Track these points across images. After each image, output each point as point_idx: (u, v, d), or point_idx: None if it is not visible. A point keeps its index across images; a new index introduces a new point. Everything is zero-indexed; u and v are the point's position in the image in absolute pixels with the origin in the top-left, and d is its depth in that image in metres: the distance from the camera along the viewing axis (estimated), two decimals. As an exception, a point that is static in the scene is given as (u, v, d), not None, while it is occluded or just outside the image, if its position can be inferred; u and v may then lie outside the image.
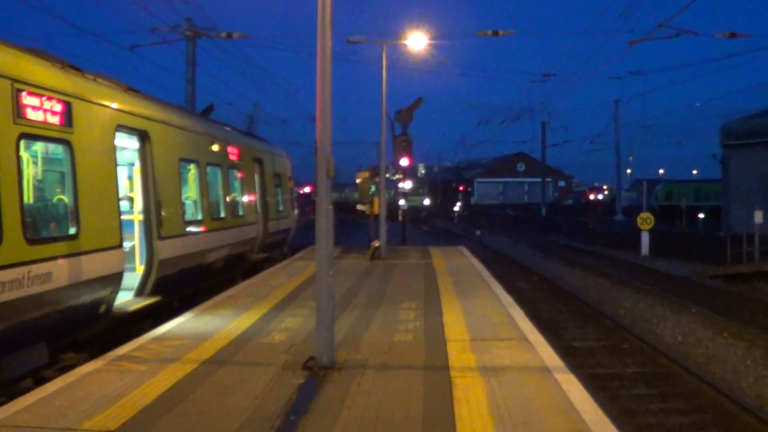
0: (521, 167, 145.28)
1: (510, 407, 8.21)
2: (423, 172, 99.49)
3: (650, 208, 48.34)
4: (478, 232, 60.96)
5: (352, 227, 53.92)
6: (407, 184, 35.38)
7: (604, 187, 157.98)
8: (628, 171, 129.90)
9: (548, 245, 49.66)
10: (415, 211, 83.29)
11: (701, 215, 60.63)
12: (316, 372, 9.84)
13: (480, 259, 26.63)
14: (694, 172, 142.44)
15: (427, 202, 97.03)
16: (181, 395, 8.80)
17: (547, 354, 10.83)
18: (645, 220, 42.03)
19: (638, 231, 42.99)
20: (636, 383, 14.99)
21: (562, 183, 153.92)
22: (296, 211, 34.00)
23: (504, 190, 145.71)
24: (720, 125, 58.39)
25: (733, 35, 28.41)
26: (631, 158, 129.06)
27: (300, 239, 34.42)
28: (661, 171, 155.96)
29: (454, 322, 13.33)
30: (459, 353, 10.88)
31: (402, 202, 34.29)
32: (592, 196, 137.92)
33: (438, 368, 10.03)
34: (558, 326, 20.62)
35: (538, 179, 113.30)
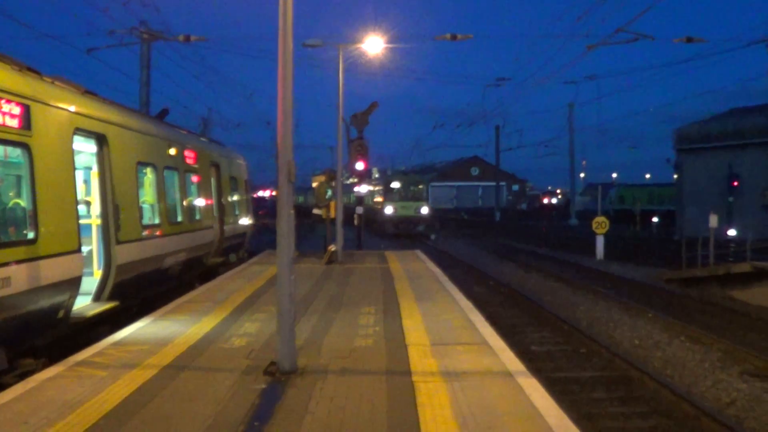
0: (475, 171, 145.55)
1: (474, 412, 8.23)
2: (377, 176, 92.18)
3: (604, 211, 48.68)
4: (433, 236, 60.75)
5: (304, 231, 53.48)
6: (363, 188, 35.46)
7: (558, 191, 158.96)
8: (582, 175, 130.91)
9: (503, 249, 49.81)
10: (405, 223, 61.77)
11: (655, 219, 61.21)
12: (278, 377, 9.80)
13: (436, 263, 26.67)
14: (647, 176, 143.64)
15: (426, 210, 63.54)
16: (142, 401, 8.73)
17: (509, 358, 10.87)
18: (600, 224, 42.32)
19: (593, 235, 43.28)
20: (595, 387, 15.06)
21: (515, 187, 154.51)
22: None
23: (458, 194, 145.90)
24: (674, 130, 59.21)
25: (690, 40, 28.53)
26: (584, 162, 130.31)
27: (254, 243, 34.32)
28: (614, 175, 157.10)
29: (414, 326, 13.34)
30: (420, 358, 10.88)
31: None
32: (546, 200, 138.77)
33: (400, 373, 10.03)
34: (516, 330, 20.67)
35: (492, 183, 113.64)
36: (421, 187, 65.98)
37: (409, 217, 62.20)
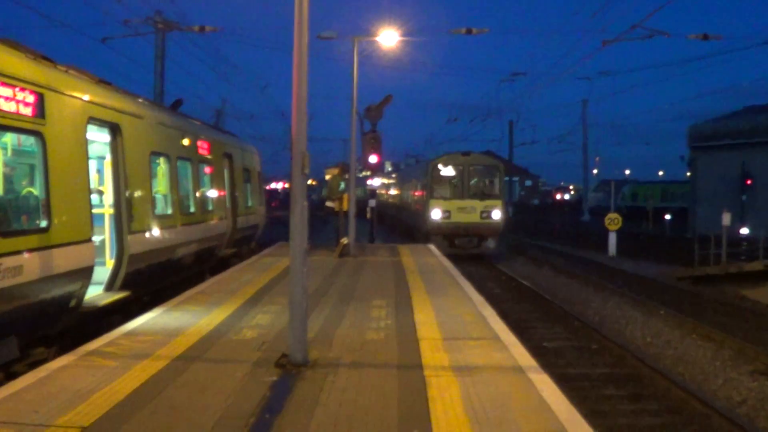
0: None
1: (485, 407, 8.18)
2: (390, 169, 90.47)
3: (617, 208, 48.54)
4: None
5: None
6: (376, 181, 35.41)
7: (571, 187, 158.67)
8: (595, 171, 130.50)
9: (515, 245, 49.70)
10: (465, 235, 38.29)
11: (668, 216, 60.99)
12: (289, 369, 9.75)
13: (448, 257, 26.61)
14: (660, 173, 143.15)
15: (499, 215, 38.18)
16: (153, 392, 8.70)
17: (520, 354, 10.81)
18: (613, 221, 42.22)
19: (605, 231, 43.17)
20: (606, 384, 15.05)
21: (528, 182, 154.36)
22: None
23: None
24: (688, 127, 59.03)
25: (706, 37, 28.33)
26: (597, 158, 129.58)
27: (266, 235, 34.30)
28: (627, 171, 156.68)
29: (426, 320, 13.28)
30: (432, 352, 10.83)
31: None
32: (558, 196, 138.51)
33: (411, 367, 9.98)
34: (527, 326, 20.67)
35: (505, 178, 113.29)
36: (495, 177, 40.50)
37: (474, 225, 38.28)
